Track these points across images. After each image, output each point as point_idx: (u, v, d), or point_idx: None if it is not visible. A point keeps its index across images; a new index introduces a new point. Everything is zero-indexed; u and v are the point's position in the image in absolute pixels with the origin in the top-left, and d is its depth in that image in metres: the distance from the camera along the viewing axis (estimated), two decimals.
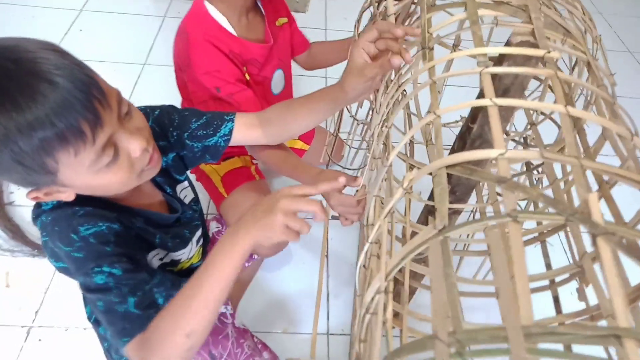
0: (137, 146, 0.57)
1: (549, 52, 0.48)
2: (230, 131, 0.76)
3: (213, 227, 1.13)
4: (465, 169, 0.40)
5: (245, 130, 0.78)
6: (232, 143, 0.78)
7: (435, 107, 0.47)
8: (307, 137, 1.31)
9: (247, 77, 0.96)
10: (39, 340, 1.01)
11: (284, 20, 1.04)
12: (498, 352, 0.30)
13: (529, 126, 0.80)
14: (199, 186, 1.07)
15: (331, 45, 1.14)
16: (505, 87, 0.59)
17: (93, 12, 1.89)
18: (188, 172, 0.84)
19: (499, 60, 0.56)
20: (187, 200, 0.83)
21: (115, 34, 1.80)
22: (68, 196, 0.58)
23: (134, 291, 0.59)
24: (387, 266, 0.40)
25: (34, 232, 1.20)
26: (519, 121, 0.88)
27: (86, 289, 0.58)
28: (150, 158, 0.61)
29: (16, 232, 1.17)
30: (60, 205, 0.60)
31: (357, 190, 0.78)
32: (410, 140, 0.88)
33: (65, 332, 1.02)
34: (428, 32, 0.58)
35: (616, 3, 2.34)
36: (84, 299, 0.80)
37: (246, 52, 0.94)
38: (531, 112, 0.80)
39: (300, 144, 1.30)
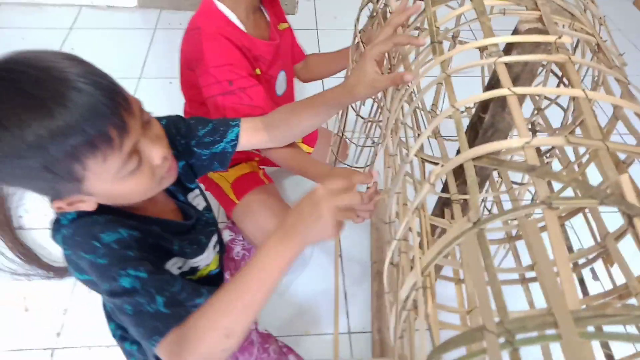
0: (158, 153, 0.58)
1: (560, 37, 0.49)
2: (237, 136, 0.77)
3: (226, 235, 1.13)
4: (491, 160, 0.41)
5: (251, 135, 0.78)
6: (239, 148, 0.78)
7: (453, 101, 0.48)
8: (310, 140, 1.31)
9: (258, 71, 0.97)
10: None
11: (286, 25, 1.06)
12: (548, 337, 0.30)
13: (535, 111, 0.81)
14: (208, 195, 1.08)
15: (328, 56, 1.16)
16: (515, 75, 0.59)
17: (83, 30, 1.89)
18: (198, 182, 0.84)
19: (507, 49, 0.57)
20: (200, 208, 0.83)
21: (107, 50, 1.80)
22: (89, 206, 0.58)
23: (161, 291, 0.59)
24: (422, 262, 0.41)
25: (46, 255, 1.20)
26: (524, 107, 0.89)
27: (112, 294, 0.58)
28: (167, 167, 0.62)
29: (29, 256, 1.17)
30: (79, 216, 0.60)
31: (367, 187, 0.78)
32: (418, 134, 0.88)
33: (89, 351, 1.03)
34: (435, 26, 0.59)
35: None
36: (107, 316, 0.81)
37: (255, 48, 0.95)
38: (537, 97, 0.81)
39: (304, 148, 1.31)
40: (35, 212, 1.26)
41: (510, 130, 0.71)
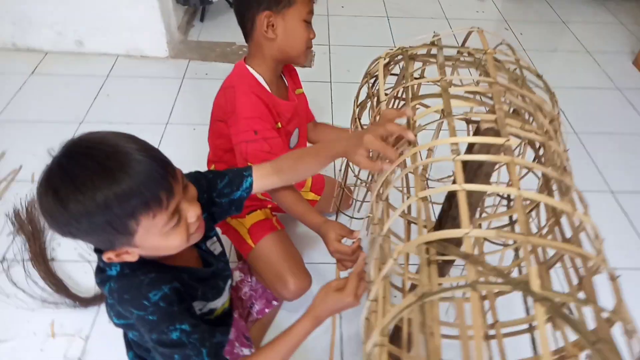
0: (194, 213, 0.71)
1: (507, 140, 0.61)
2: (251, 184, 0.89)
3: (237, 276, 1.25)
4: (439, 245, 0.52)
5: (262, 180, 0.90)
6: (253, 192, 0.91)
7: (419, 190, 0.59)
8: (318, 189, 1.44)
9: (280, 125, 1.12)
10: None
11: (301, 91, 1.23)
12: None
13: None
14: (224, 238, 1.20)
15: (333, 131, 1.35)
16: (479, 163, 0.71)
17: (118, 77, 2.07)
18: (215, 232, 0.96)
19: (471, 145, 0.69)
20: (216, 253, 0.95)
21: (139, 97, 1.98)
22: (133, 257, 0.71)
23: (203, 343, 0.74)
24: (380, 324, 0.52)
25: (74, 286, 1.34)
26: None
27: (161, 343, 0.72)
28: (198, 225, 0.75)
29: (59, 286, 1.31)
30: (124, 274, 0.73)
31: (352, 242, 0.91)
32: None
33: None
34: (413, 120, 0.71)
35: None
36: (127, 345, 0.92)
37: (278, 106, 1.10)
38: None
39: (312, 195, 1.43)
40: (66, 245, 1.41)
41: (479, 204, 0.82)
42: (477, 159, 0.61)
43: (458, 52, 0.83)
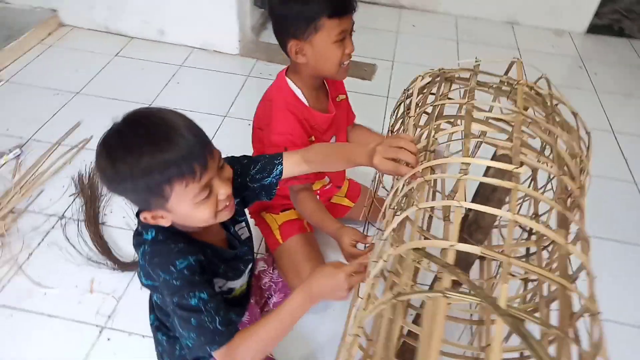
0: (224, 191, 0.78)
1: (517, 167, 0.62)
2: (281, 172, 0.94)
3: (260, 265, 1.31)
4: (423, 252, 0.55)
5: (292, 167, 0.95)
6: (283, 177, 0.95)
7: (421, 201, 0.63)
8: (353, 196, 1.48)
9: (313, 138, 1.17)
10: (108, 339, 1.22)
11: (343, 97, 1.26)
12: None
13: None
14: (256, 230, 1.27)
15: (370, 135, 1.36)
16: (492, 188, 0.73)
17: (190, 68, 2.23)
18: (248, 216, 1.03)
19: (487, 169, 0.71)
20: (243, 238, 1.02)
21: (206, 88, 2.12)
22: (166, 222, 0.79)
23: (217, 312, 0.81)
24: (360, 317, 0.55)
25: (117, 250, 1.45)
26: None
27: (181, 307, 0.79)
28: (228, 204, 0.81)
29: (104, 248, 1.44)
30: (157, 240, 0.81)
31: (365, 246, 0.95)
32: (430, 215, 1.02)
33: (128, 336, 1.23)
34: (434, 137, 0.74)
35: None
36: (151, 307, 1.01)
37: (313, 119, 1.16)
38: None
39: (346, 202, 1.47)
40: (116, 213, 1.54)
41: (491, 227, 0.83)
42: (481, 180, 0.63)
43: (500, 81, 0.85)
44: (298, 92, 1.14)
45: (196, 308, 0.79)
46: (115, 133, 0.73)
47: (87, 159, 1.71)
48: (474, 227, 0.80)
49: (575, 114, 0.82)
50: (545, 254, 0.80)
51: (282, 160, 0.95)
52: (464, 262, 0.85)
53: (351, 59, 1.10)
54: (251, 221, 1.31)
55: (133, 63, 2.24)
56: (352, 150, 0.90)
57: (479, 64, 0.88)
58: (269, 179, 0.95)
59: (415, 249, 0.56)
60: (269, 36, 2.51)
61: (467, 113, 0.72)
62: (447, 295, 0.48)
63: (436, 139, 0.74)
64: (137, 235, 0.85)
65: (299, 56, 1.07)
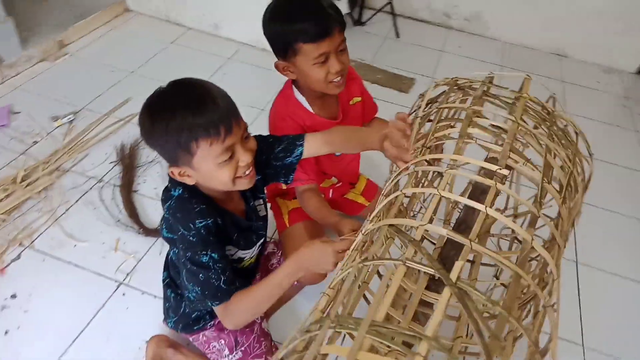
0: (245, 158, 0.87)
1: (500, 169, 0.67)
2: (301, 153, 1.02)
3: (270, 248, 1.39)
4: (395, 229, 0.61)
5: (312, 149, 1.03)
6: (304, 157, 1.03)
7: (408, 187, 0.68)
8: (369, 195, 1.53)
9: None
10: (123, 294, 1.33)
11: (358, 99, 1.28)
12: None
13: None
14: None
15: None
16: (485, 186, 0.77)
17: (237, 62, 2.36)
18: (264, 196, 1.11)
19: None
20: (260, 214, 1.10)
21: (248, 82, 2.23)
22: (191, 180, 0.88)
23: (224, 272, 0.90)
24: (333, 280, 0.62)
25: (144, 216, 1.56)
26: None
27: (192, 262, 0.88)
28: (248, 174, 0.90)
29: (133, 213, 1.56)
30: (183, 197, 0.90)
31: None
32: (421, 207, 1.06)
33: (141, 295, 1.33)
34: (432, 136, 0.80)
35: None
36: (165, 265, 1.10)
37: (318, 125, 1.18)
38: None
39: (361, 200, 1.53)
40: (149, 183, 1.66)
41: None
42: (464, 175, 0.68)
43: (517, 98, 0.89)
44: (303, 100, 1.18)
45: (206, 265, 0.88)
46: (159, 93, 0.83)
47: (131, 132, 1.85)
48: (462, 227, 0.84)
49: (577, 133, 0.85)
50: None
51: (304, 142, 1.02)
52: (450, 261, 0.89)
53: (342, 75, 1.10)
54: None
55: (186, 52, 2.39)
56: (367, 135, 0.97)
57: (492, 77, 0.93)
58: (290, 158, 1.03)
59: (390, 225, 0.62)
60: None
61: (466, 117, 0.77)
62: (407, 264, 0.54)
63: (435, 137, 0.79)
64: (166, 191, 0.94)
65: (287, 73, 1.13)
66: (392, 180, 0.76)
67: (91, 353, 1.20)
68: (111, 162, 1.73)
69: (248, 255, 1.08)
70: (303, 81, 1.13)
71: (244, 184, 0.90)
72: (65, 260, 1.40)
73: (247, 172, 0.89)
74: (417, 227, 0.59)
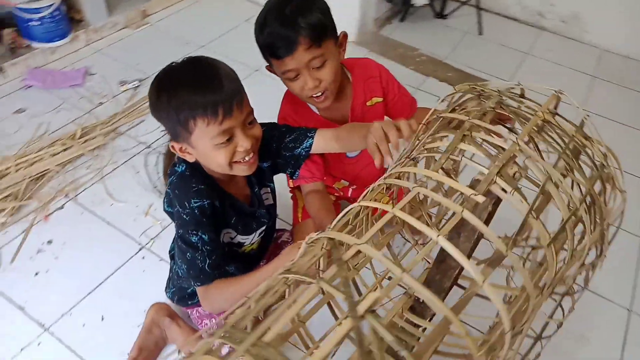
0: (244, 143, 0.85)
1: (474, 194, 0.59)
2: (310, 145, 0.99)
3: (285, 236, 1.37)
4: (331, 243, 0.56)
5: (322, 143, 0.99)
6: (313, 151, 1.01)
7: (366, 201, 0.62)
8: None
9: None
10: (142, 257, 1.40)
11: (378, 99, 1.18)
12: None
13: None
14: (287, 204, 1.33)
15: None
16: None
17: None
18: (272, 185, 1.10)
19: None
20: (266, 203, 1.08)
21: None
22: (191, 158, 0.88)
23: (210, 255, 0.90)
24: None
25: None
26: None
27: (182, 239, 0.90)
28: (247, 160, 0.88)
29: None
30: (184, 175, 0.91)
31: None
32: None
33: (159, 261, 1.39)
34: (422, 147, 0.72)
35: None
36: (175, 239, 1.13)
37: (320, 126, 1.09)
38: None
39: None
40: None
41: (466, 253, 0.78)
42: (434, 197, 0.61)
43: (547, 117, 0.78)
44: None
45: (194, 245, 0.88)
46: (170, 67, 0.84)
47: None
48: (444, 266, 0.76)
49: (603, 165, 0.73)
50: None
51: (314, 135, 0.99)
52: (436, 285, 0.82)
53: (324, 90, 1.03)
54: (290, 195, 1.37)
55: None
56: (365, 128, 0.91)
57: (522, 87, 0.82)
58: (299, 149, 1.00)
59: (330, 238, 0.57)
60: (390, 31, 2.52)
61: (460, 129, 0.69)
62: (321, 285, 0.49)
63: (424, 148, 0.72)
64: (173, 166, 0.96)
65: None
66: (367, 191, 0.70)
67: (103, 306, 1.28)
68: (162, 131, 1.80)
69: (248, 241, 1.07)
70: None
71: (242, 170, 0.89)
72: (100, 216, 1.50)
73: (246, 158, 0.87)
74: (352, 245, 0.53)
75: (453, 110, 0.86)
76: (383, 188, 0.68)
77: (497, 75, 2.27)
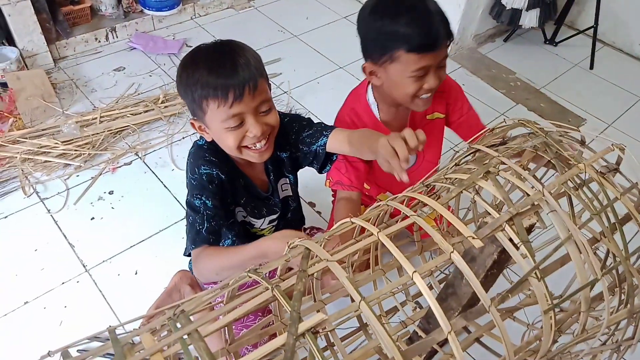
0: (254, 130, 0.85)
1: (472, 237, 0.54)
2: (325, 143, 0.97)
3: (317, 235, 1.36)
4: (305, 253, 0.54)
5: (335, 143, 0.96)
6: (328, 150, 0.98)
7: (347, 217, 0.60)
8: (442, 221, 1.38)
9: None
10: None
11: (440, 115, 1.13)
12: None
13: None
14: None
15: None
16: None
17: None
18: (292, 177, 1.09)
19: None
20: (283, 194, 1.09)
21: None
22: (208, 137, 0.91)
23: (210, 220, 0.92)
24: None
25: None
26: None
27: (188, 203, 0.94)
28: (259, 148, 0.88)
29: None
30: (201, 146, 0.95)
31: None
32: None
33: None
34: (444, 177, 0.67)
35: None
36: None
37: (380, 131, 1.05)
38: None
39: (431, 223, 1.38)
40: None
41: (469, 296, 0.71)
42: (425, 227, 0.56)
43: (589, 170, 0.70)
44: (373, 104, 1.09)
45: (196, 208, 0.91)
46: (197, 48, 0.87)
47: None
48: (450, 290, 0.70)
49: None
50: None
51: (330, 134, 0.97)
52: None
53: (433, 92, 0.99)
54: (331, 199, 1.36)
55: (354, 28, 2.40)
56: (376, 138, 0.87)
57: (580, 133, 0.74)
58: (315, 145, 0.99)
59: (307, 248, 0.55)
60: (489, 49, 2.38)
61: (484, 165, 0.63)
62: (275, 292, 0.48)
63: (445, 177, 0.67)
64: (197, 140, 0.99)
65: (373, 78, 1.02)
66: (373, 207, 0.67)
67: (139, 262, 1.36)
68: None
69: (257, 224, 1.08)
70: (388, 90, 1.03)
71: (252, 156, 0.90)
72: (160, 178, 1.59)
73: (257, 146, 0.87)
74: (321, 261, 0.51)
75: (503, 143, 0.79)
76: (386, 211, 0.65)
77: (597, 115, 2.06)
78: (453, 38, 0.98)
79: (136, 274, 1.34)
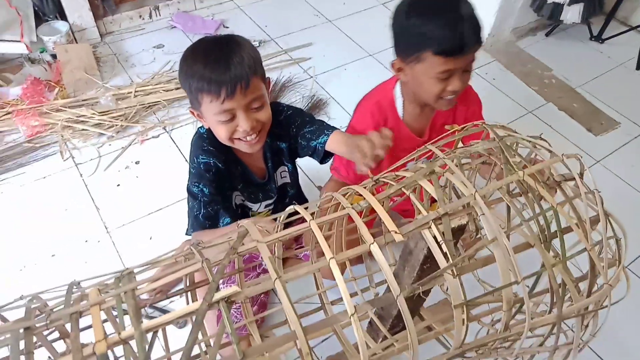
0: (243, 124, 0.92)
1: (395, 232, 0.58)
2: (324, 142, 1.01)
3: None
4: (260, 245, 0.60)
5: (334, 144, 1.00)
6: (327, 149, 1.02)
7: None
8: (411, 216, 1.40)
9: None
10: None
11: (457, 128, 1.14)
12: None
13: None
14: None
15: None
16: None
17: None
18: (290, 166, 1.15)
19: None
20: (281, 181, 1.15)
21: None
22: (206, 125, 0.98)
23: (206, 207, 1.01)
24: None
25: None
26: None
27: (187, 190, 1.03)
28: (249, 140, 0.94)
29: None
30: (202, 135, 1.02)
31: None
32: None
33: None
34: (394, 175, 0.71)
35: None
36: None
37: (398, 134, 1.08)
38: None
39: None
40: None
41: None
42: (354, 217, 0.61)
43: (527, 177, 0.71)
44: (398, 100, 1.11)
45: (195, 195, 1.00)
46: (199, 41, 0.93)
47: (294, 73, 2.02)
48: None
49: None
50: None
51: (330, 134, 1.01)
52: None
53: (457, 94, 1.02)
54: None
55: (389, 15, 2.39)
56: (352, 144, 0.91)
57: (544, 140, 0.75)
58: (315, 142, 1.03)
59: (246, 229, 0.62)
60: (528, 44, 2.31)
61: (428, 166, 0.66)
62: (203, 265, 0.55)
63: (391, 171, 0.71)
64: (200, 127, 1.07)
65: (400, 75, 1.05)
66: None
67: (155, 229, 1.48)
68: None
69: (255, 208, 1.15)
70: (413, 87, 1.06)
71: (243, 147, 0.96)
72: (183, 153, 1.70)
73: (248, 138, 0.93)
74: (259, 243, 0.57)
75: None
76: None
77: (635, 120, 1.96)
78: (483, 43, 0.99)
79: (151, 239, 1.46)
